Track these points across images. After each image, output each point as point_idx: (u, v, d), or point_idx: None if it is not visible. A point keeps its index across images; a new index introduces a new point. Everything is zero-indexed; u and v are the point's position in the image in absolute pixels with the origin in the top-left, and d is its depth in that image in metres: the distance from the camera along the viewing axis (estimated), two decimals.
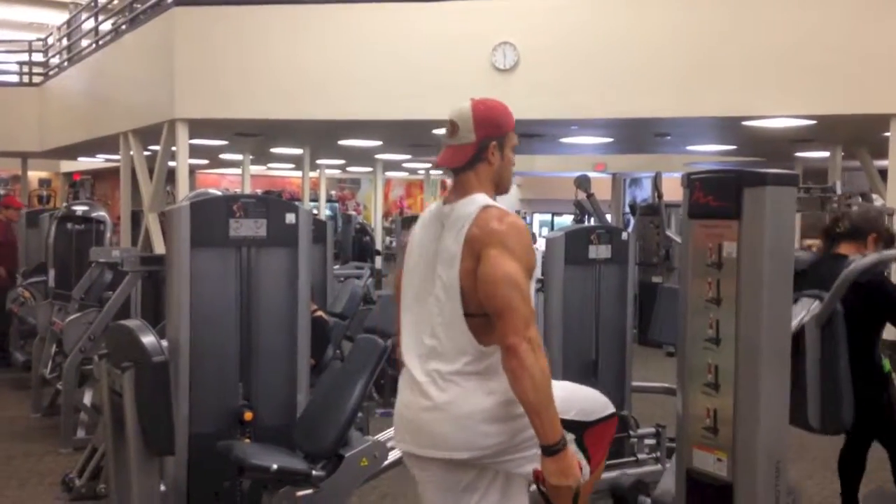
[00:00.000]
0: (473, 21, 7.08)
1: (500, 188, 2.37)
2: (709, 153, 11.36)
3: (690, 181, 2.52)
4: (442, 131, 7.63)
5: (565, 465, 2.12)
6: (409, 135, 9.21)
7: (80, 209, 7.08)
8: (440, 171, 17.82)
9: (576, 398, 2.39)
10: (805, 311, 2.92)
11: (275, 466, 3.11)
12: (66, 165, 17.69)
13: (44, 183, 18.34)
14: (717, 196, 2.44)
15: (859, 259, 3.17)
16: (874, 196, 7.76)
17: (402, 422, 2.34)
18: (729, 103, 6.64)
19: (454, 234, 2.24)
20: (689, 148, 10.67)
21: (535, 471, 2.19)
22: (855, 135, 8.21)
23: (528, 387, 2.09)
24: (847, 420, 3.02)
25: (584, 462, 2.26)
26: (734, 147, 10.38)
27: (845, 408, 2.94)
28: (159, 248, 7.38)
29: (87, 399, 5.39)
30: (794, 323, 2.98)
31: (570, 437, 2.19)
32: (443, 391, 2.22)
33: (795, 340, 2.97)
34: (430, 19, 7.21)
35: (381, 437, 3.46)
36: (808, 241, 4.26)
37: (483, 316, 2.20)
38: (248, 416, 3.53)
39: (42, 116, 12.35)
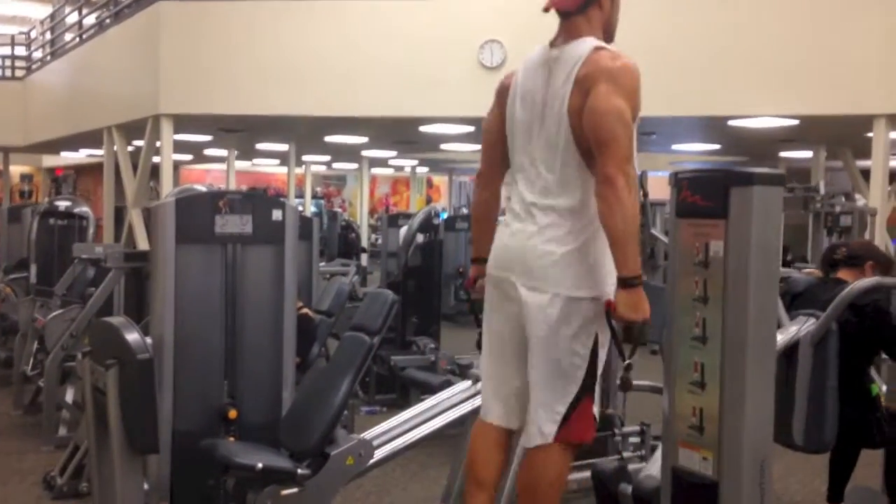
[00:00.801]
0: (461, 19, 7.08)
1: (609, 34, 2.36)
2: (694, 152, 11.41)
3: (678, 180, 2.53)
4: (429, 128, 7.61)
5: (638, 299, 2.20)
6: (395, 132, 9.20)
7: (62, 204, 7.02)
8: (426, 169, 17.84)
9: None
10: (799, 327, 2.96)
11: (260, 465, 3.09)
12: (49, 160, 17.54)
13: (26, 178, 18.18)
14: (704, 195, 2.44)
15: (858, 282, 3.20)
16: (857, 196, 7.83)
17: (507, 251, 2.37)
18: (714, 103, 6.68)
19: (564, 75, 2.24)
20: (675, 147, 10.72)
21: (607, 301, 2.27)
22: (838, 135, 8.27)
23: (619, 217, 2.14)
24: (830, 441, 3.06)
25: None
26: (719, 146, 10.44)
27: (829, 427, 2.97)
28: (143, 244, 7.33)
29: (69, 396, 5.34)
30: (788, 338, 3.02)
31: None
32: (551, 227, 2.28)
33: (787, 356, 3.00)
34: (417, 16, 7.21)
35: (368, 435, 3.45)
36: (808, 269, 4.32)
37: (592, 158, 2.22)
38: (232, 413, 3.51)
39: (25, 111, 12.24)
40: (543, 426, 2.34)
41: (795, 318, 3.15)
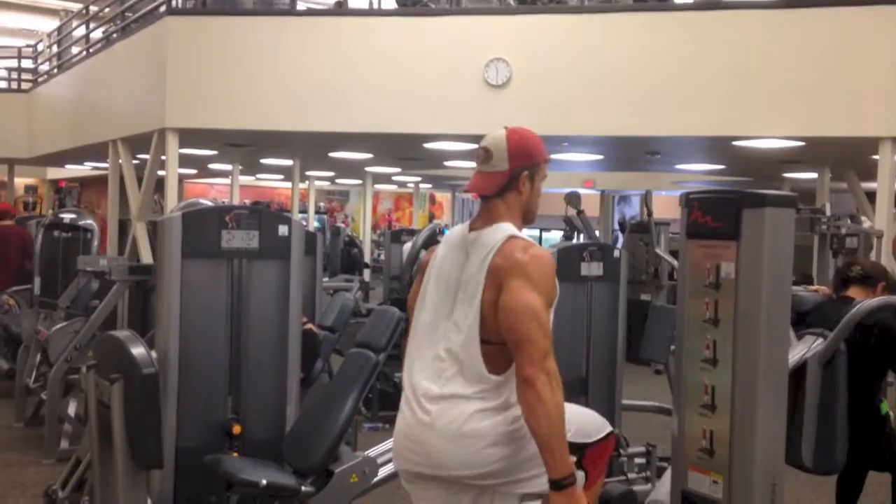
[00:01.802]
0: (466, 37, 7.10)
1: (527, 218, 2.37)
2: (698, 172, 11.42)
3: (689, 201, 2.52)
4: (434, 145, 7.60)
5: (573, 500, 2.12)
6: (399, 148, 9.21)
7: (67, 217, 7.02)
8: (429, 186, 17.87)
9: (574, 418, 2.38)
10: (806, 347, 2.94)
11: (264, 482, 3.07)
12: (53, 172, 17.57)
13: (30, 189, 18.21)
14: (715, 216, 2.44)
15: (865, 301, 3.19)
16: (862, 218, 7.83)
17: (404, 440, 2.32)
18: (719, 123, 6.68)
19: (478, 262, 2.25)
20: (679, 166, 10.72)
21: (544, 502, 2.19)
22: (843, 157, 8.28)
23: (543, 420, 2.09)
24: (840, 462, 3.02)
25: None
26: (723, 166, 10.45)
27: (839, 449, 2.94)
28: (147, 257, 7.32)
29: (72, 409, 5.32)
30: (796, 359, 3.00)
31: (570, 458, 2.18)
32: (447, 411, 2.21)
33: (795, 377, 2.98)
34: (423, 34, 7.23)
35: (372, 452, 3.43)
36: (813, 287, 4.30)
37: (500, 345, 2.19)
38: (236, 429, 3.49)
39: (30, 123, 12.27)
40: None
41: (803, 337, 3.13)
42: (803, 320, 3.49)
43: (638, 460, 4.28)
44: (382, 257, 12.38)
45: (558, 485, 2.11)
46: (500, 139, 2.33)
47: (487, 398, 2.21)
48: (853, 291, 3.62)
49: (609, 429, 2.45)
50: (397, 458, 2.38)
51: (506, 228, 2.28)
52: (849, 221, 7.58)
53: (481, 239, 2.28)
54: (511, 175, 2.31)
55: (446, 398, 2.22)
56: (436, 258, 2.40)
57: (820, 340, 3.04)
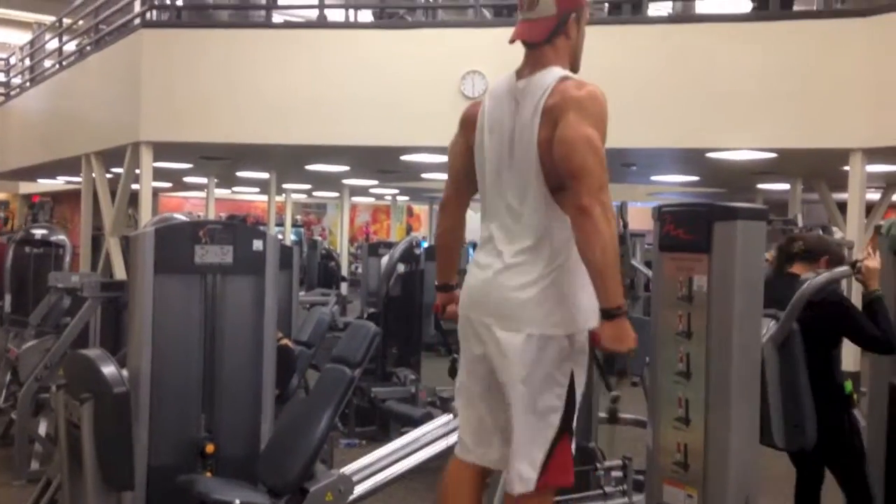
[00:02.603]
0: (442, 49, 7.11)
1: (574, 65, 2.36)
2: (673, 183, 11.50)
3: (661, 214, 2.54)
4: (411, 158, 7.59)
5: (622, 330, 2.15)
6: (376, 160, 9.20)
7: (39, 232, 6.93)
8: (407, 198, 17.85)
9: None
10: (762, 331, 2.94)
11: (237, 502, 3.03)
12: (25, 187, 17.37)
13: (1, 205, 17.99)
14: (687, 229, 2.45)
15: (812, 277, 3.20)
16: (834, 228, 7.91)
17: (476, 291, 2.34)
18: (692, 135, 6.73)
19: (532, 106, 2.23)
20: (654, 178, 10.79)
21: (591, 332, 2.23)
22: (814, 168, 8.37)
23: (598, 248, 2.10)
24: (811, 436, 3.05)
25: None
26: (698, 178, 10.53)
27: (809, 425, 2.97)
28: (120, 273, 7.24)
29: (42, 429, 5.23)
30: None
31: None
32: (522, 263, 2.23)
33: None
34: (399, 46, 7.23)
35: (348, 469, 3.40)
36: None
37: (563, 190, 2.20)
38: (209, 448, 3.45)
39: (2, 137, 12.13)
40: (524, 472, 2.30)
41: None
42: None
43: (615, 474, 4.27)
44: (360, 270, 12.34)
45: (609, 313, 2.14)
46: None
47: (560, 248, 2.23)
48: (797, 268, 3.61)
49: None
50: (466, 306, 2.39)
51: (556, 71, 2.26)
52: (820, 232, 7.67)
53: (532, 84, 2.26)
54: (560, 19, 2.28)
55: (522, 245, 2.25)
56: (483, 111, 2.37)
57: (773, 323, 3.05)
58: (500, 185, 2.32)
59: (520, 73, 2.32)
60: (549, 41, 2.29)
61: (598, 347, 2.26)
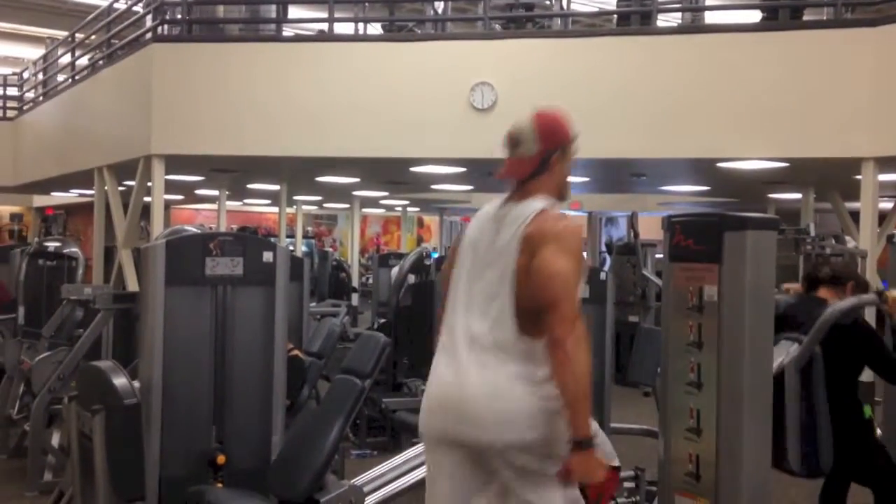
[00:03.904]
0: (452, 61, 7.13)
1: (560, 196, 2.42)
2: (683, 193, 11.48)
3: (671, 224, 2.53)
4: (420, 169, 7.59)
5: (592, 462, 2.15)
6: (386, 172, 9.22)
7: (52, 245, 6.97)
8: (417, 209, 17.88)
9: (601, 438, 2.38)
10: (784, 353, 2.92)
11: None
12: (39, 200, 17.50)
13: (15, 217, 18.12)
14: (697, 239, 2.45)
15: (837, 303, 3.19)
16: (847, 238, 7.87)
17: (437, 401, 2.34)
18: (704, 145, 6.72)
19: (511, 233, 2.30)
20: (664, 188, 10.78)
21: (564, 465, 2.21)
22: (826, 177, 8.34)
23: (570, 379, 2.14)
24: (827, 464, 3.01)
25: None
26: (708, 188, 10.50)
27: (825, 451, 2.93)
28: (132, 285, 7.27)
29: (56, 441, 5.24)
30: (774, 366, 2.99)
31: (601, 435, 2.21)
32: (484, 370, 2.24)
33: (775, 383, 2.98)
34: (408, 58, 7.26)
35: (359, 480, 3.39)
36: (787, 285, 4.27)
37: (531, 312, 2.23)
38: (220, 459, 3.45)
39: (16, 151, 12.23)
40: None
41: (778, 342, 3.12)
42: (778, 323, 3.47)
43: (627, 484, 4.25)
44: (371, 281, 12.36)
45: (580, 445, 2.15)
46: (527, 124, 2.38)
47: (520, 363, 2.23)
48: (823, 292, 3.61)
49: (617, 462, 2.46)
50: (427, 419, 2.38)
51: (538, 203, 2.33)
52: (833, 241, 7.63)
53: (514, 212, 2.34)
54: (542, 158, 2.36)
55: (483, 358, 2.25)
56: (468, 233, 2.45)
57: (796, 346, 3.03)
58: (470, 296, 2.36)
59: (506, 200, 2.42)
60: (532, 179, 2.37)
61: (566, 480, 2.22)
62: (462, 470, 2.27)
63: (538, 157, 2.35)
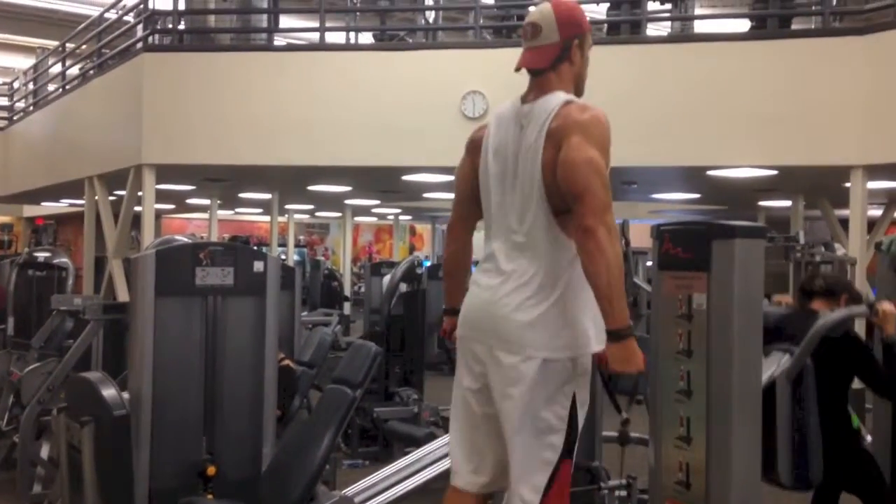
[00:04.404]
0: (443, 70, 7.15)
1: (579, 89, 2.38)
2: (674, 201, 11.51)
3: (660, 232, 2.54)
4: (412, 178, 7.62)
5: (630, 351, 2.13)
6: (378, 180, 9.23)
7: (41, 255, 6.94)
8: (409, 217, 17.90)
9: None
10: (775, 365, 2.93)
11: None
12: (29, 210, 17.43)
13: (5, 227, 18.04)
14: (686, 248, 2.46)
15: (828, 314, 3.20)
16: (836, 245, 7.91)
17: (476, 312, 2.33)
18: (694, 153, 6.75)
19: (536, 129, 2.26)
20: (655, 196, 10.81)
21: (597, 354, 2.21)
22: (816, 185, 8.38)
23: (603, 269, 2.10)
24: (816, 477, 3.02)
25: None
26: (699, 195, 10.54)
27: (815, 464, 2.94)
28: (123, 295, 7.25)
29: (45, 452, 5.21)
30: (765, 378, 3.00)
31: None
32: (525, 284, 2.23)
33: (766, 395, 2.98)
34: (399, 67, 7.28)
35: (349, 491, 3.38)
36: (779, 297, 4.29)
37: (565, 213, 2.21)
38: (211, 470, 3.44)
39: (6, 161, 12.19)
40: (525, 496, 2.26)
41: (770, 353, 3.13)
42: (770, 336, 3.48)
43: (619, 493, 4.24)
44: (363, 290, 12.34)
45: (616, 335, 2.13)
46: (547, 11, 2.34)
47: (564, 268, 2.23)
48: (817, 304, 3.62)
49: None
50: (465, 327, 2.38)
51: (560, 95, 2.29)
52: (823, 249, 7.66)
53: (536, 108, 2.29)
54: (563, 45, 2.32)
55: (525, 267, 2.24)
56: (488, 134, 2.40)
57: (787, 357, 3.04)
58: (503, 207, 2.34)
59: (524, 98, 2.36)
60: (552, 68, 2.33)
61: (604, 369, 2.23)
62: (479, 391, 2.30)
63: (559, 45, 2.30)
